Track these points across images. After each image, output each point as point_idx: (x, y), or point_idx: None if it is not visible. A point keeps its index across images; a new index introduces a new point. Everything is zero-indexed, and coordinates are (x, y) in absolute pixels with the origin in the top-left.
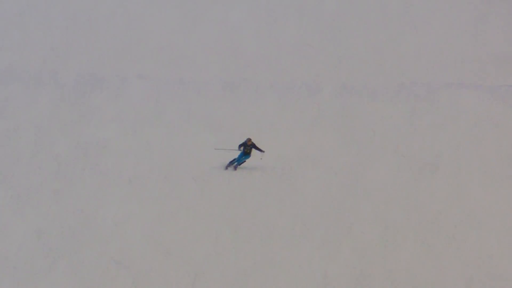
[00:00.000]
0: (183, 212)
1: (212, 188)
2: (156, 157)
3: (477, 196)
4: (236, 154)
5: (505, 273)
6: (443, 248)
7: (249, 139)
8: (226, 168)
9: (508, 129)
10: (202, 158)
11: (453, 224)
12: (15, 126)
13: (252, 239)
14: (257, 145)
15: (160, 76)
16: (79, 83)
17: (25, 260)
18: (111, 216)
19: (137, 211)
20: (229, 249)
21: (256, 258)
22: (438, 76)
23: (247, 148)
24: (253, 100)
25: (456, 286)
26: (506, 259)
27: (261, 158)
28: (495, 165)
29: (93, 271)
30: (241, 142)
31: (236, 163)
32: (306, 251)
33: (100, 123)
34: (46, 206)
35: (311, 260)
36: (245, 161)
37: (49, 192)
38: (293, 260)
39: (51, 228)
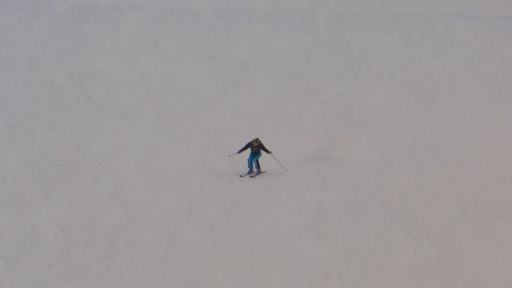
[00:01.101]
0: (177, 143)
1: (206, 119)
2: (150, 88)
3: (472, 125)
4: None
5: (500, 201)
6: (438, 177)
7: (256, 140)
8: (249, 174)
9: (502, 58)
10: (196, 88)
11: (448, 153)
12: (9, 56)
13: (246, 170)
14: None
15: (155, 6)
16: (73, 13)
17: (19, 190)
18: (105, 147)
19: (131, 142)
20: (223, 180)
21: (250, 188)
22: (434, 6)
23: (254, 148)
24: (248, 30)
25: (451, 215)
26: (501, 187)
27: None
28: (490, 94)
29: (87, 202)
30: (247, 143)
31: (256, 169)
32: (301, 182)
33: (94, 53)
34: (40, 136)
35: (306, 191)
36: (258, 160)
37: (43, 123)
38: (287, 191)
39: (45, 159)
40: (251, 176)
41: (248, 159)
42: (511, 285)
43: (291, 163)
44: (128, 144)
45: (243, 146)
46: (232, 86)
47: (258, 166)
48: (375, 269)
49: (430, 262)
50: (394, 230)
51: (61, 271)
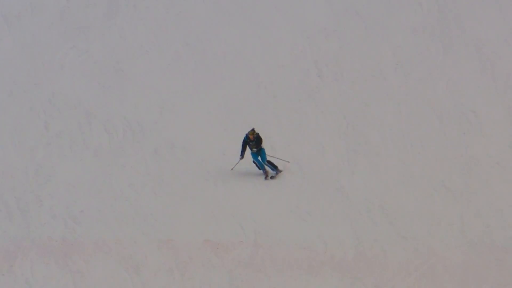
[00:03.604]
0: None
1: None
2: None
3: None
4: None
5: None
6: None
7: (252, 132)
8: (266, 177)
9: None
10: None
11: None
12: None
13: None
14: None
15: None
16: None
17: None
18: None
19: None
20: None
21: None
22: None
23: (252, 144)
24: None
25: None
26: None
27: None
28: None
29: None
30: (242, 140)
31: (263, 169)
32: None
33: None
34: None
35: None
36: (267, 159)
37: None
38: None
39: None
40: (271, 178)
41: (253, 162)
42: (509, 45)
43: None
44: None
45: (241, 147)
46: None
47: (273, 167)
48: (375, 30)
49: (431, 23)
50: None
51: (61, 30)
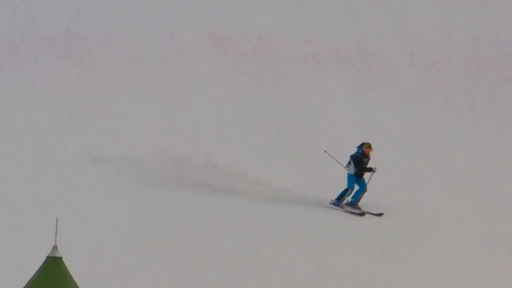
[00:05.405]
0: None
1: None
2: None
3: None
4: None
5: None
6: None
7: (369, 146)
8: (339, 205)
9: None
10: None
11: None
12: None
13: None
14: None
15: None
16: None
17: None
18: None
19: None
20: None
21: None
22: None
23: (364, 162)
24: None
25: None
26: None
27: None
28: None
29: None
30: (353, 156)
31: (352, 199)
32: None
33: None
34: None
35: None
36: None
37: None
38: None
39: None
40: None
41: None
42: None
43: None
44: None
45: (352, 164)
46: None
47: (358, 198)
48: None
49: None
50: None
51: None
